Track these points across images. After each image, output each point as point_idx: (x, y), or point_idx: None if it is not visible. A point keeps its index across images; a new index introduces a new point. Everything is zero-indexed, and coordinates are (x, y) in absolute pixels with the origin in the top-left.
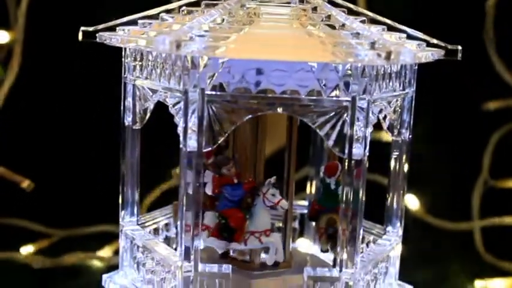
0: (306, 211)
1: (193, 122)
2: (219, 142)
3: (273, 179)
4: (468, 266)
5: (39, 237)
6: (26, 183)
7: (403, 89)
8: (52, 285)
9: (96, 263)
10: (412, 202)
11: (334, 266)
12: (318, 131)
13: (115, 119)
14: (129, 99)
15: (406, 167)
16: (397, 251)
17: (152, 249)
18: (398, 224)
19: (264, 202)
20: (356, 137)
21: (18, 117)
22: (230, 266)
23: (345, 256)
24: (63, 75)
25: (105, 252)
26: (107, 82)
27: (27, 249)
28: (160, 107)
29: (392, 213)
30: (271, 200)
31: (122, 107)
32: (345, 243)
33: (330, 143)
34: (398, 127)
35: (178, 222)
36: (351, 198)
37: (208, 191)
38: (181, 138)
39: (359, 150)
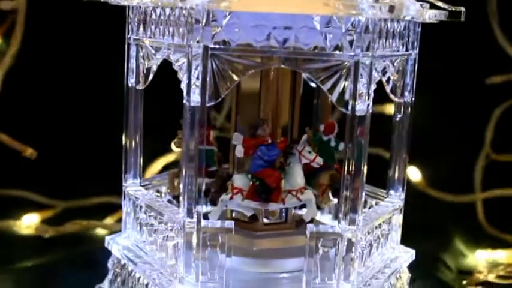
0: None
1: (196, 76)
2: (222, 96)
3: (305, 137)
4: (470, 237)
5: (42, 208)
6: (28, 152)
7: (406, 50)
8: (55, 252)
9: (99, 231)
10: (415, 174)
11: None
12: (320, 86)
13: (118, 87)
14: (133, 60)
15: (408, 130)
16: (399, 214)
17: (155, 207)
18: (401, 188)
19: (300, 160)
20: (359, 92)
21: (21, 85)
22: (233, 222)
23: (347, 213)
24: (66, 41)
25: (108, 221)
26: (110, 45)
27: (30, 219)
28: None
29: (395, 177)
30: (308, 157)
31: (125, 69)
32: (348, 199)
33: (333, 98)
34: (401, 89)
35: (182, 181)
36: (354, 155)
37: (239, 153)
38: (184, 94)
39: (362, 106)
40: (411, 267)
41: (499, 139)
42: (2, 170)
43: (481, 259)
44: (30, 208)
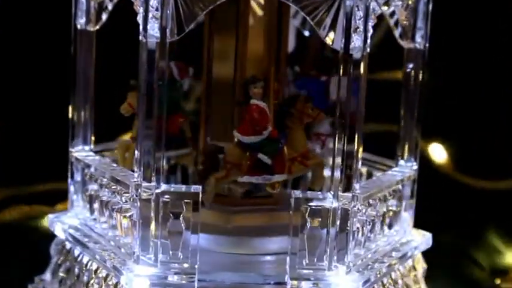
0: None
1: (155, 6)
2: (187, 30)
3: None
4: (507, 231)
5: None
6: None
7: None
8: None
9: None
10: (439, 154)
11: None
12: (307, 17)
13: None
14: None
15: (421, 83)
16: (411, 187)
17: (107, 172)
18: (413, 156)
19: None
20: (354, 27)
21: None
22: (200, 186)
23: (340, 177)
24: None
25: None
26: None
27: None
28: None
29: (405, 143)
30: None
31: (73, 8)
32: (341, 162)
33: (322, 33)
34: (411, 32)
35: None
36: (350, 96)
37: None
38: (140, 28)
39: (358, 43)
40: (430, 261)
41: None
42: None
43: None
44: None
